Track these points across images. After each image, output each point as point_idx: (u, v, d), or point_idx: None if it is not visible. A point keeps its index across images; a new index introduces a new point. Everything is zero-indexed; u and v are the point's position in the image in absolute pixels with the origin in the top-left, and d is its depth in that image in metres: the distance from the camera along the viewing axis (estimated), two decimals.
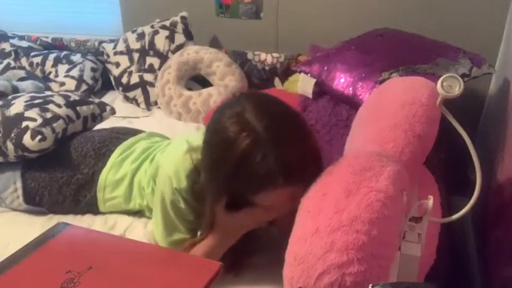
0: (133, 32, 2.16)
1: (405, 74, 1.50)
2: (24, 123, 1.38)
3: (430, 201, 0.84)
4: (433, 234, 1.01)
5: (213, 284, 0.89)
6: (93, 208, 1.37)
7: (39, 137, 1.36)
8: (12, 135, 1.36)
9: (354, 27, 1.84)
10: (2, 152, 1.38)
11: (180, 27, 2.13)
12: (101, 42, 2.25)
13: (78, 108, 1.54)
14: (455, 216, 0.90)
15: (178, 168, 1.10)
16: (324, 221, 0.75)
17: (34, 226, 1.31)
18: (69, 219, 1.37)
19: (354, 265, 0.71)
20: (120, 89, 2.15)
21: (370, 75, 1.56)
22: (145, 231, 1.29)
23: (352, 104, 1.57)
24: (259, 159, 0.92)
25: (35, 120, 1.39)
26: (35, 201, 1.39)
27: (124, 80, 2.11)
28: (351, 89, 1.58)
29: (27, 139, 1.35)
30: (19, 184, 1.39)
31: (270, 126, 0.93)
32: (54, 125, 1.42)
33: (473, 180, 0.90)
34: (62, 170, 1.38)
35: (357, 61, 1.63)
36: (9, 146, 1.36)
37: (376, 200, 0.76)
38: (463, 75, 1.52)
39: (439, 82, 0.88)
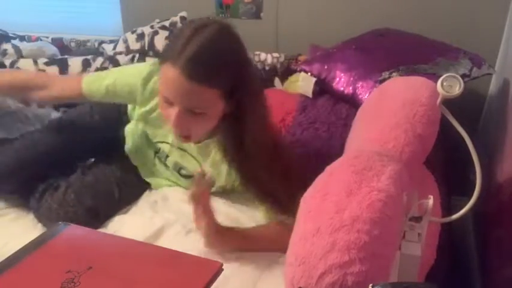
0: (133, 32, 2.16)
1: (405, 73, 1.51)
2: None
3: (430, 201, 0.84)
4: (433, 234, 1.01)
5: (213, 284, 0.89)
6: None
7: None
8: None
9: (354, 27, 1.84)
10: None
11: None
12: (101, 43, 2.25)
13: None
14: (455, 216, 0.90)
15: None
16: (325, 221, 0.75)
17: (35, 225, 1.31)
18: None
19: (355, 265, 0.71)
20: None
21: (370, 75, 1.56)
22: (142, 220, 1.29)
23: (352, 103, 1.58)
24: (180, 34, 1.08)
25: None
26: None
27: None
28: (351, 88, 1.58)
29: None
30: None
31: (215, 36, 1.06)
32: None
33: (473, 180, 0.91)
34: None
35: (357, 60, 1.63)
36: None
37: (377, 199, 0.76)
38: (463, 76, 1.52)
39: (439, 82, 0.88)
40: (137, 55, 2.10)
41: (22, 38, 2.30)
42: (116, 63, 1.98)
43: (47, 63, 1.93)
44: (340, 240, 0.72)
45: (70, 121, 1.48)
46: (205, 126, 1.16)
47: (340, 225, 0.73)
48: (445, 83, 0.88)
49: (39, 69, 1.91)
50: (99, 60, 1.96)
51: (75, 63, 1.94)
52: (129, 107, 1.44)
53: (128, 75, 1.30)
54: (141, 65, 1.31)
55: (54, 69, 1.92)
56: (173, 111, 1.09)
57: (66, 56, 2.01)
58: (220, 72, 1.07)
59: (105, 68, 1.94)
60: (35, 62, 1.92)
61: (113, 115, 1.48)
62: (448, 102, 0.91)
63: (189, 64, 1.03)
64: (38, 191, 1.33)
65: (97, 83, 1.31)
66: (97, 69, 1.94)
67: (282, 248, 0.89)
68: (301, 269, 0.74)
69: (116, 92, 1.30)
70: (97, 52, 2.25)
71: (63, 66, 1.93)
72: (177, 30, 1.10)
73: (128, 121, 1.48)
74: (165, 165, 1.38)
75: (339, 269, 0.71)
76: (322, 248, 0.73)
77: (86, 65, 1.94)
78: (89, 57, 1.98)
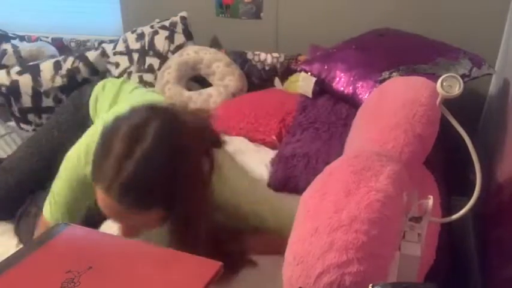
0: (133, 32, 2.16)
1: (405, 73, 1.51)
2: None
3: (430, 201, 0.84)
4: (432, 234, 1.01)
5: (213, 284, 0.89)
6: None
7: None
8: None
9: (354, 27, 1.84)
10: None
11: (179, 28, 2.13)
12: (100, 43, 2.25)
13: None
14: (455, 216, 0.90)
15: None
16: (324, 221, 0.75)
17: None
18: None
19: (353, 265, 0.71)
20: None
21: (370, 75, 1.56)
22: None
23: (352, 103, 1.58)
24: (111, 148, 0.92)
25: None
26: None
27: None
28: (351, 88, 1.58)
29: None
30: None
31: (146, 149, 0.91)
32: None
33: (473, 180, 0.91)
34: None
35: (357, 60, 1.63)
36: None
37: (375, 199, 0.76)
38: (463, 76, 1.52)
39: (438, 82, 0.88)
40: (137, 55, 2.11)
41: (22, 38, 2.30)
42: (86, 61, 1.96)
43: (19, 72, 1.89)
44: (338, 240, 0.72)
45: (38, 140, 1.44)
46: (152, 228, 1.07)
47: (339, 225, 0.73)
48: (444, 83, 0.88)
49: (12, 80, 1.86)
50: (70, 60, 1.95)
51: (46, 67, 1.92)
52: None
53: (72, 164, 1.15)
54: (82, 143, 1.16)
55: (26, 78, 1.89)
56: (119, 224, 1.02)
57: (37, 62, 1.99)
58: (156, 195, 0.95)
59: (77, 68, 1.93)
60: (8, 73, 1.89)
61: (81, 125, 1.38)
62: (448, 102, 0.91)
63: (120, 193, 0.92)
64: (17, 216, 1.35)
65: (54, 206, 1.17)
66: (68, 70, 1.91)
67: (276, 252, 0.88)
68: (300, 268, 0.74)
69: (74, 189, 1.15)
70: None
71: (35, 73, 1.90)
72: (107, 137, 0.95)
73: None
74: None
75: (337, 268, 0.71)
76: (320, 247, 0.73)
77: (57, 67, 1.92)
78: (60, 58, 1.96)
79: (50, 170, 1.35)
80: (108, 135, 0.95)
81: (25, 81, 1.90)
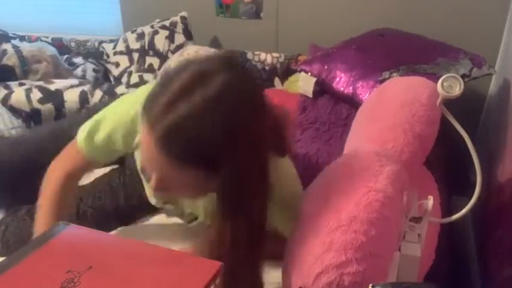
0: (133, 32, 2.16)
1: (406, 73, 1.51)
2: None
3: (430, 202, 0.84)
4: (432, 234, 1.01)
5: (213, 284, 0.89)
6: None
7: None
8: None
9: (354, 27, 1.84)
10: None
11: (179, 27, 2.13)
12: (100, 43, 2.25)
13: None
14: (455, 216, 0.90)
15: None
16: (323, 221, 0.75)
17: None
18: None
19: (352, 265, 0.71)
20: None
21: (370, 75, 1.56)
22: None
23: (352, 103, 1.58)
24: (169, 85, 0.80)
25: None
26: None
27: (124, 80, 2.11)
28: (351, 88, 1.58)
29: None
30: None
31: (208, 98, 0.78)
32: None
33: (473, 180, 0.91)
34: None
35: (358, 60, 1.63)
36: None
37: (374, 200, 0.76)
38: (463, 76, 1.52)
39: (439, 82, 0.88)
40: (137, 54, 2.11)
41: (22, 38, 2.30)
42: (115, 97, 1.80)
43: (41, 101, 1.81)
44: (337, 241, 0.72)
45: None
46: (189, 195, 0.99)
47: (338, 225, 0.73)
48: (445, 83, 0.88)
49: (33, 108, 1.81)
50: (98, 94, 1.87)
51: (70, 98, 1.84)
52: None
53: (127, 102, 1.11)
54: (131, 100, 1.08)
55: (49, 108, 1.81)
56: (153, 174, 0.89)
57: (60, 88, 1.89)
58: (202, 152, 0.80)
59: (105, 105, 1.83)
60: (28, 98, 1.82)
61: None
62: (448, 102, 0.91)
63: (165, 137, 0.79)
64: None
65: (93, 137, 1.11)
66: (96, 105, 1.78)
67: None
68: (299, 268, 0.74)
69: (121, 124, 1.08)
70: (97, 52, 2.26)
71: (59, 103, 1.82)
72: (168, 76, 0.82)
73: None
74: None
75: (336, 269, 0.71)
76: (319, 247, 0.73)
77: (84, 100, 1.83)
78: (86, 88, 1.88)
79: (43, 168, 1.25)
80: (171, 74, 0.82)
81: (48, 111, 1.82)
